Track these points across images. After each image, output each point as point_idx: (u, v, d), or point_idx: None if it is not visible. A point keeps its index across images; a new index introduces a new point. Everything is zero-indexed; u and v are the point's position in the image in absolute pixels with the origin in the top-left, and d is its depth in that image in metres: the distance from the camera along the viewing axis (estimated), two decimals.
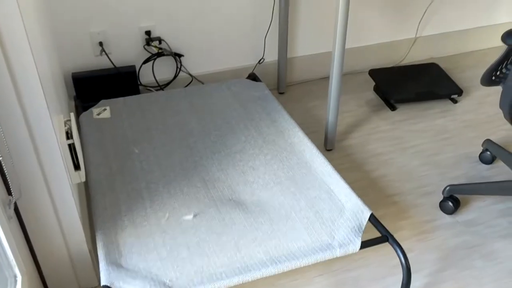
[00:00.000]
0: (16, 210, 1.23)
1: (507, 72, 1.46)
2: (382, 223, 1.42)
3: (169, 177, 1.63)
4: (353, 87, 2.49)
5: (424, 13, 2.58)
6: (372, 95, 2.43)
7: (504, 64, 1.49)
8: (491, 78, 1.49)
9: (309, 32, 2.41)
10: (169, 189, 1.58)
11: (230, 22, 2.24)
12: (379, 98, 2.39)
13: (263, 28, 2.31)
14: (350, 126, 2.20)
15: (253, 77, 2.22)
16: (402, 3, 2.51)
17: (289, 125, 1.88)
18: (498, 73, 1.50)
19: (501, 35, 1.42)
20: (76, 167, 1.33)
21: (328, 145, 2.03)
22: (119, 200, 1.53)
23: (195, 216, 1.47)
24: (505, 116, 1.48)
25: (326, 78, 2.55)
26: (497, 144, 1.87)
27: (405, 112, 2.29)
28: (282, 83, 2.42)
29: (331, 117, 1.95)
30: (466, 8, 2.66)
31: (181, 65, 2.24)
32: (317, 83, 2.52)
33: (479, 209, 1.75)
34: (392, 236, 1.37)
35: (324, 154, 2.00)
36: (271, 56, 2.40)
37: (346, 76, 2.59)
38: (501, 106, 1.45)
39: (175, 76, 2.25)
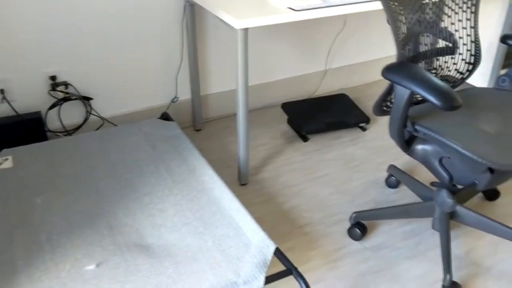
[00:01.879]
0: None
1: (391, 104, 1.55)
2: (293, 254, 1.44)
3: (73, 226, 1.58)
4: (268, 121, 2.55)
5: (331, 47, 2.71)
6: (286, 127, 2.49)
7: (392, 95, 1.58)
8: (381, 108, 1.57)
9: (222, 69, 2.46)
10: (73, 239, 1.53)
11: (141, 62, 2.24)
12: (293, 130, 2.46)
13: (174, 67, 2.33)
14: (264, 159, 2.24)
15: (165, 116, 2.23)
16: (310, 39, 2.63)
17: (200, 163, 1.88)
18: (388, 103, 1.59)
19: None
20: None
21: (242, 180, 2.05)
22: (16, 256, 1.46)
23: (98, 265, 1.43)
24: (397, 144, 1.57)
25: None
26: (399, 169, 1.97)
27: (317, 142, 2.37)
28: (198, 120, 2.43)
29: (242, 152, 1.98)
30: (368, 41, 2.82)
31: (91, 108, 2.21)
32: (234, 119, 2.56)
33: (385, 233, 1.82)
34: (296, 269, 1.39)
35: (237, 189, 2.02)
36: (185, 94, 2.42)
37: (262, 110, 2.65)
38: (391, 136, 1.53)
39: (85, 120, 2.20)
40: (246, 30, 1.73)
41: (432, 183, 1.67)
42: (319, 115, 2.46)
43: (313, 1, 1.87)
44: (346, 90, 2.86)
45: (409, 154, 1.58)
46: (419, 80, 1.30)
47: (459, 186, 1.65)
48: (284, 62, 2.62)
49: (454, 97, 1.26)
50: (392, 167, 2.00)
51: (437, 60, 1.65)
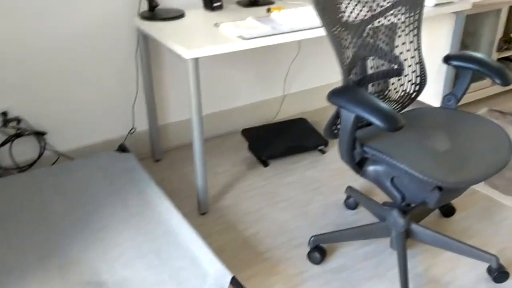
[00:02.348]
0: None
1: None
2: (255, 281, 1.43)
3: (22, 266, 1.53)
4: (230, 148, 2.55)
5: (288, 72, 2.75)
6: (247, 153, 2.50)
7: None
8: (332, 131, 1.59)
9: (180, 98, 2.46)
10: (23, 278, 1.48)
11: (95, 94, 2.22)
12: (254, 156, 2.46)
13: (130, 98, 2.32)
14: (225, 186, 2.23)
15: (122, 148, 2.20)
16: (268, 65, 2.66)
17: (156, 195, 1.86)
18: (338, 126, 1.61)
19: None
20: None
21: (201, 209, 2.03)
22: None
23: None
24: (349, 166, 1.58)
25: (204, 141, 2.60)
26: (357, 190, 1.99)
27: (277, 167, 2.38)
28: (157, 150, 2.41)
29: (200, 181, 1.96)
30: (324, 65, 2.88)
31: (45, 143, 2.16)
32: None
33: (346, 254, 1.82)
34: None
35: (197, 219, 2.00)
36: (143, 124, 2.40)
37: (223, 137, 2.66)
38: (341, 158, 1.55)
39: (40, 155, 2.16)
40: (196, 60, 1.74)
41: (384, 203, 1.69)
42: (279, 140, 2.47)
43: (263, 29, 1.90)
44: (306, 114, 2.89)
45: (361, 176, 1.60)
46: (362, 103, 1.33)
47: (413, 205, 1.67)
48: (243, 88, 2.64)
49: (396, 118, 1.29)
50: (349, 189, 2.02)
51: (384, 82, 1.70)
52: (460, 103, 2.91)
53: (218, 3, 2.20)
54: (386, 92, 1.72)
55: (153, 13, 2.11)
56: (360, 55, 1.61)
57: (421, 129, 1.62)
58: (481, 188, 2.19)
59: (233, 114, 2.66)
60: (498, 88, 3.08)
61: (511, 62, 3.35)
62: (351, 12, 1.55)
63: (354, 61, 1.60)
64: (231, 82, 2.59)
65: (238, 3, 2.34)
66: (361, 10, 1.58)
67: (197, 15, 2.14)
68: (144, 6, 2.17)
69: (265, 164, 2.39)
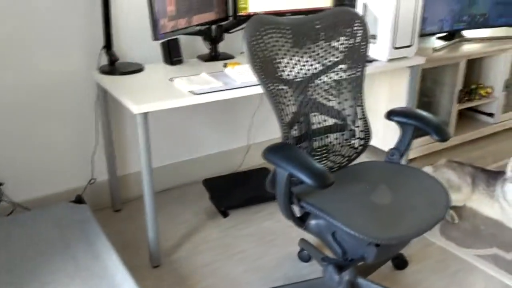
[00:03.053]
0: None
1: None
2: None
3: None
4: (192, 198, 2.56)
5: (251, 122, 2.80)
6: (208, 203, 2.50)
7: None
8: (272, 186, 1.61)
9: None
10: None
11: (55, 145, 2.24)
12: (214, 206, 2.47)
13: (90, 149, 2.34)
14: (182, 237, 2.23)
15: (78, 199, 2.20)
16: (232, 115, 2.71)
17: (106, 248, 1.85)
18: None
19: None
20: None
21: (153, 262, 2.01)
22: None
23: None
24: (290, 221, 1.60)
25: (164, 191, 2.61)
26: (309, 243, 1.99)
27: (236, 217, 2.38)
28: (117, 201, 2.42)
29: (151, 234, 1.96)
30: None
31: (1, 193, 2.16)
32: (158, 196, 2.55)
33: None
34: None
35: (149, 272, 1.99)
36: (103, 175, 2.42)
37: (187, 186, 2.67)
38: (281, 212, 1.57)
39: None
40: (145, 114, 1.78)
41: (323, 258, 1.70)
42: (239, 190, 2.49)
43: (215, 84, 1.95)
44: (268, 164, 2.92)
45: (304, 230, 1.61)
46: (292, 161, 1.36)
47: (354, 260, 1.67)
48: (207, 138, 2.68)
49: (324, 176, 1.31)
50: (302, 241, 2.03)
51: (327, 137, 1.74)
52: (420, 154, 2.97)
53: (177, 58, 2.27)
54: (331, 147, 1.75)
55: (112, 67, 2.17)
56: (304, 111, 1.66)
57: (362, 184, 1.65)
58: (437, 239, 2.20)
59: (197, 164, 2.69)
60: (459, 139, 3.15)
61: (475, 112, 3.44)
62: (290, 71, 1.60)
63: (296, 116, 1.65)
64: (195, 132, 2.63)
65: (199, 57, 2.41)
66: (301, 69, 1.63)
67: (156, 69, 2.20)
68: (105, 60, 2.23)
69: (225, 214, 2.39)
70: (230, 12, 2.25)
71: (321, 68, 1.68)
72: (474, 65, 3.39)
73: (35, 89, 2.12)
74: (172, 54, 2.26)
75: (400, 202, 1.53)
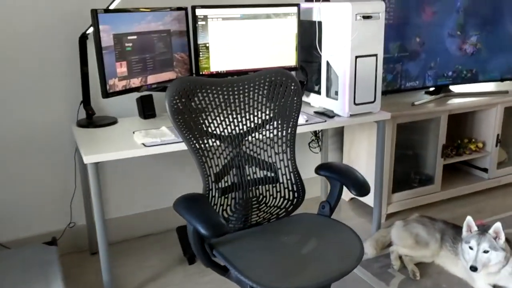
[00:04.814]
0: None
1: None
2: None
3: None
4: (167, 244, 2.67)
5: None
6: (180, 250, 2.61)
7: None
8: None
9: (119, 195, 2.66)
10: None
11: (38, 190, 2.46)
12: (182, 253, 2.57)
13: (69, 195, 2.54)
14: (146, 280, 2.33)
15: (52, 241, 2.38)
16: None
17: None
18: None
19: None
20: None
21: None
22: None
23: None
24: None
25: (144, 237, 2.75)
26: None
27: (201, 265, 2.46)
28: (94, 244, 2.58)
29: (105, 276, 2.08)
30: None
31: None
32: (131, 242, 2.69)
33: None
34: None
35: None
36: (83, 219, 2.60)
37: (163, 233, 2.79)
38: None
39: None
40: (96, 164, 1.94)
41: None
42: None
43: (170, 137, 2.10)
44: None
45: (227, 277, 1.68)
46: (191, 211, 1.46)
47: None
48: (183, 186, 2.81)
49: (216, 227, 1.40)
50: None
51: (257, 189, 1.82)
52: (405, 208, 2.95)
53: (150, 112, 2.46)
54: (262, 198, 1.84)
55: (90, 120, 2.38)
56: (236, 164, 1.76)
57: (283, 235, 1.71)
58: None
59: (172, 211, 2.81)
60: (447, 194, 3.10)
61: (470, 167, 3.37)
62: (222, 127, 1.72)
63: (226, 169, 1.76)
64: (171, 180, 2.78)
65: None
66: (232, 125, 1.75)
67: (129, 123, 2.39)
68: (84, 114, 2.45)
69: (190, 261, 2.48)
70: (193, 71, 2.41)
71: (253, 125, 1.79)
72: (465, 119, 3.37)
73: (20, 138, 2.37)
74: (145, 109, 2.45)
75: (311, 254, 1.58)
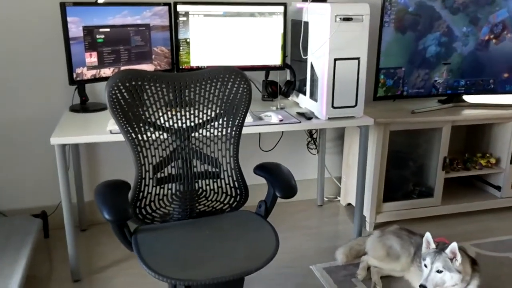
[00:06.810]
0: None
1: None
2: None
3: None
4: None
5: None
6: None
7: None
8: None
9: (111, 177, 2.80)
10: None
11: (39, 166, 2.68)
12: None
13: None
14: (116, 261, 2.46)
15: (42, 214, 2.60)
16: None
17: (22, 256, 2.17)
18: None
19: None
20: None
21: (74, 276, 2.28)
22: None
23: None
24: None
25: None
26: None
27: None
28: (83, 222, 2.76)
29: (70, 250, 2.24)
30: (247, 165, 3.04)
31: None
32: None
33: None
34: None
35: (69, 285, 2.25)
36: (74, 198, 2.79)
37: None
38: None
39: None
40: (62, 146, 2.09)
41: None
42: None
43: None
44: None
45: None
46: (100, 197, 1.54)
47: None
48: None
49: (118, 213, 1.48)
50: None
51: (196, 182, 1.87)
52: (387, 220, 2.82)
53: None
54: (202, 192, 1.88)
55: (83, 105, 2.55)
56: (178, 156, 1.82)
57: (208, 230, 1.74)
58: None
59: None
60: (449, 209, 2.93)
61: (484, 183, 3.16)
62: (157, 119, 1.78)
63: (167, 160, 1.82)
64: None
65: None
66: (170, 118, 1.81)
67: None
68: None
69: None
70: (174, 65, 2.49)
71: (197, 120, 1.84)
72: (482, 132, 3.17)
73: (20, 119, 2.59)
74: None
75: (221, 250, 1.60)
